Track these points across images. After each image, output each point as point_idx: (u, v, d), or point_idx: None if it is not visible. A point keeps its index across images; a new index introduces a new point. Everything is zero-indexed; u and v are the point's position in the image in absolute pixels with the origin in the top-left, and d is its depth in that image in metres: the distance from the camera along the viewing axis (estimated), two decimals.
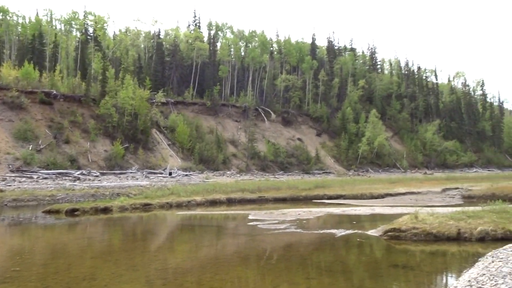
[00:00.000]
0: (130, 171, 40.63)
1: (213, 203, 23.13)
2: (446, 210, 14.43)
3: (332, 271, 8.86)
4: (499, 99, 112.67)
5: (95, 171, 38.13)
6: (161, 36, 69.15)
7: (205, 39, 72.46)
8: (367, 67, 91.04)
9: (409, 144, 77.72)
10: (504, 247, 8.63)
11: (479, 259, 8.05)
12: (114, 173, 39.01)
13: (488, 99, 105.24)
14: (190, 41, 66.78)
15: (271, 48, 79.63)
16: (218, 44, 75.42)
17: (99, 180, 34.98)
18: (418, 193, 28.34)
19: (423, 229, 11.32)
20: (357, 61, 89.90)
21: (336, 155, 67.05)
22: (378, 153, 69.12)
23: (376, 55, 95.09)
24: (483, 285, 5.72)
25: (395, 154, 72.96)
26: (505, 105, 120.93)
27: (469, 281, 6.20)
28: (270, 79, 72.44)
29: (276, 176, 50.10)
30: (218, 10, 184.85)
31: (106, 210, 18.89)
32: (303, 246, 11.77)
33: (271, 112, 67.25)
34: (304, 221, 15.68)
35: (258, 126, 63.31)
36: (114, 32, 75.06)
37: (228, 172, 48.73)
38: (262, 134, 62.28)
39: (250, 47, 74.90)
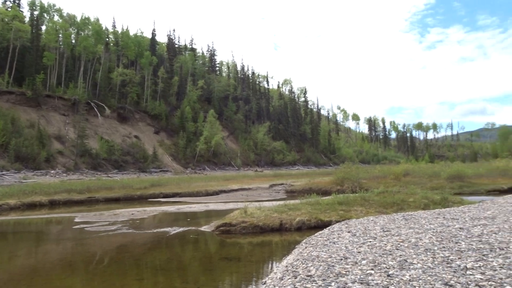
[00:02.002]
0: None
1: (32, 206, 20.54)
2: (272, 204, 15.81)
3: (166, 269, 8.79)
4: (317, 106, 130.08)
5: None
6: None
7: (27, 19, 63.55)
8: (207, 68, 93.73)
9: (243, 143, 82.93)
10: (315, 234, 9.94)
11: (296, 246, 9.06)
12: None
13: (309, 105, 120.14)
14: (6, 20, 57.47)
15: (107, 39, 74.77)
16: (44, 28, 66.78)
17: None
18: (249, 189, 30.45)
19: (251, 222, 12.20)
20: (197, 61, 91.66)
21: (174, 154, 66.99)
22: (215, 152, 71.80)
23: (215, 57, 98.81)
24: (296, 268, 6.46)
25: (230, 152, 76.91)
26: (322, 112, 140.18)
27: (286, 266, 6.93)
28: (105, 72, 67.79)
29: (110, 175, 47.23)
30: None
31: None
32: (136, 246, 11.36)
33: (105, 107, 63.08)
34: (138, 221, 15.19)
35: (90, 121, 58.70)
36: None
37: (52, 171, 43.68)
38: (95, 130, 57.94)
39: (83, 35, 68.73)
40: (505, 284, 4.99)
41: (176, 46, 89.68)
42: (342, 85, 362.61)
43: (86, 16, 71.67)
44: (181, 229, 13.08)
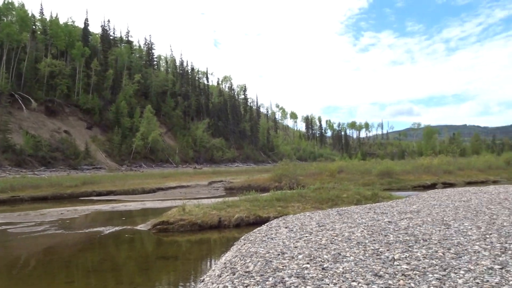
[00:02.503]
0: None
1: None
2: (211, 201, 15.72)
3: (99, 270, 8.40)
4: (257, 104, 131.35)
5: None
6: None
7: None
8: (144, 62, 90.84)
9: (181, 140, 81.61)
10: (254, 230, 10.04)
11: (235, 243, 9.09)
12: None
13: (248, 103, 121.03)
14: None
15: (34, 27, 69.73)
16: None
17: None
18: (188, 186, 30.04)
19: (190, 220, 12.04)
20: (133, 54, 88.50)
21: (108, 150, 64.26)
22: (152, 149, 69.95)
23: (153, 51, 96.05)
24: (235, 265, 6.48)
25: (168, 149, 75.35)
26: (261, 109, 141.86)
27: (224, 263, 6.92)
28: (31, 62, 63.19)
29: (36, 172, 44.20)
30: None
31: None
32: (66, 248, 10.75)
33: (31, 99, 58.85)
34: (68, 221, 14.39)
35: (14, 114, 54.52)
36: None
37: None
38: (19, 125, 53.89)
39: (5, 21, 63.45)
40: (427, 273, 5.38)
41: (111, 37, 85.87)
42: (281, 84, 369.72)
43: (10, 1, 66.28)
44: (116, 228, 12.59)
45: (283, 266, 6.04)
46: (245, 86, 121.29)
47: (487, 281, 4.95)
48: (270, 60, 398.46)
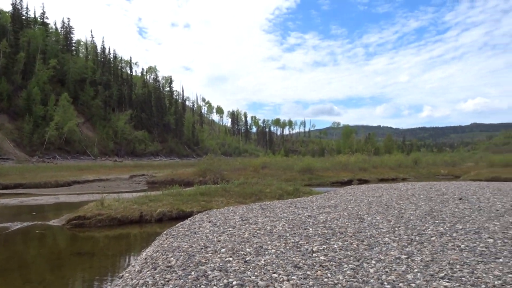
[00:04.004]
0: None
1: None
2: (132, 195, 15.18)
3: (5, 269, 7.68)
4: (182, 97, 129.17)
5: None
6: None
7: None
8: (61, 47, 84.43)
9: (101, 131, 77.50)
10: (177, 225, 9.89)
11: (157, 238, 8.87)
12: None
13: (174, 96, 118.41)
14: None
15: None
16: None
17: None
18: (107, 180, 28.69)
19: (108, 214, 11.51)
20: (49, 37, 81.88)
21: (17, 139, 58.91)
22: (68, 139, 65.49)
23: (72, 35, 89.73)
24: (156, 260, 6.33)
25: (86, 141, 71.13)
26: (187, 103, 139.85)
27: (145, 258, 6.73)
28: None
29: None
30: None
31: None
32: None
33: None
34: None
35: None
36: None
37: None
38: None
39: None
40: (343, 263, 5.72)
41: (24, 17, 78.51)
42: (208, 78, 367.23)
43: None
44: (25, 224, 11.63)
45: (205, 260, 6.03)
46: (170, 78, 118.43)
47: (395, 270, 5.39)
48: (197, 54, 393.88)
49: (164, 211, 12.13)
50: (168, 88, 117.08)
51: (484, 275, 5.08)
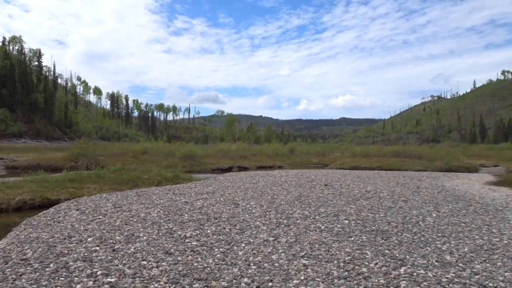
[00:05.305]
0: None
1: None
2: None
3: None
4: (54, 73, 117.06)
5: None
6: None
7: None
8: None
9: None
10: (39, 214, 8.99)
11: (13, 228, 7.93)
12: None
13: (43, 72, 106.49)
14: None
15: None
16: None
17: None
18: None
19: None
20: None
21: None
22: None
23: None
24: (10, 253, 5.63)
25: None
26: (60, 81, 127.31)
27: None
28: None
29: None
30: None
31: None
32: None
33: None
34: None
35: None
36: None
37: None
38: None
39: None
40: (214, 248, 5.85)
41: None
42: (84, 55, 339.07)
43: None
44: None
45: (68, 251, 5.60)
46: (40, 52, 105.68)
47: (262, 251, 5.70)
48: (73, 27, 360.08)
49: (24, 199, 10.90)
50: (37, 63, 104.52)
51: (337, 252, 5.69)
